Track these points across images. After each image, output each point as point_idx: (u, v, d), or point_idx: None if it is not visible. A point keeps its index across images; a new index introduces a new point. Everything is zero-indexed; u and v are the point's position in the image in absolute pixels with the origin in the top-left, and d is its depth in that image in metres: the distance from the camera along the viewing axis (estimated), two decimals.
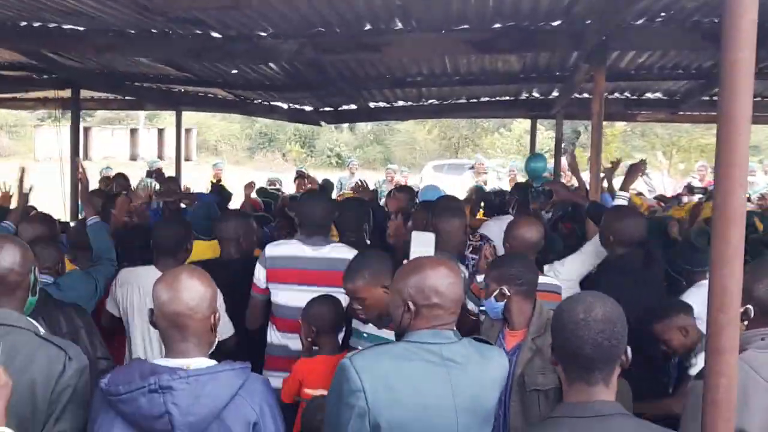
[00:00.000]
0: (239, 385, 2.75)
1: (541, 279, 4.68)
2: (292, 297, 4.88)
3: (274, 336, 4.97)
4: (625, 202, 6.02)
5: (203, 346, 2.88)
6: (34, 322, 3.24)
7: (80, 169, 6.42)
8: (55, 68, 9.36)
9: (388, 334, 3.82)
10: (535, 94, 11.67)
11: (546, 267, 5.29)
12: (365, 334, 4.19)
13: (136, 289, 4.93)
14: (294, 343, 4.81)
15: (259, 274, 4.97)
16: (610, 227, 5.25)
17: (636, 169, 6.51)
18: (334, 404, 2.95)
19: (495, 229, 6.23)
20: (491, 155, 32.97)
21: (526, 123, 30.94)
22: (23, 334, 3.13)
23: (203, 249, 5.84)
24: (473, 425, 2.97)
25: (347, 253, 4.86)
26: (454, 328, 3.06)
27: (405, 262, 3.65)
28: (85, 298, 4.87)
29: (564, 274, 5.26)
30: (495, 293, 4.09)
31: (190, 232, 5.26)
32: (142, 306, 4.82)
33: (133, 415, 2.70)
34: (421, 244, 3.91)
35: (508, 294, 4.06)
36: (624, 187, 6.24)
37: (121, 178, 11.18)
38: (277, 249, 5.03)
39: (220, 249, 5.61)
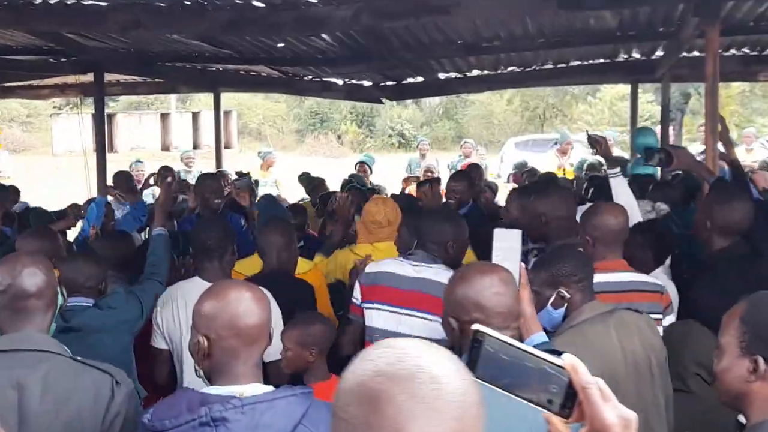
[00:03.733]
0: (302, 413, 2.72)
1: (630, 277, 4.61)
2: (385, 319, 4.96)
3: None
4: None
5: (258, 369, 2.91)
6: (62, 345, 3.33)
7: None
8: (75, 50, 9.51)
9: None
10: (635, 55, 11.53)
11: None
12: None
13: (181, 306, 4.93)
14: None
15: (355, 292, 5.08)
16: (712, 212, 4.97)
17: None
18: None
19: None
20: (582, 127, 32.63)
21: (620, 88, 30.74)
22: (59, 360, 3.22)
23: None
24: None
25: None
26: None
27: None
28: (129, 322, 4.92)
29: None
30: (551, 299, 3.92)
31: (233, 233, 5.35)
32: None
33: None
34: (504, 240, 3.83)
35: (568, 296, 3.90)
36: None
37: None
38: (377, 264, 5.17)
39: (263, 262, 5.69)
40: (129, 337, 4.95)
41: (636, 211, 5.49)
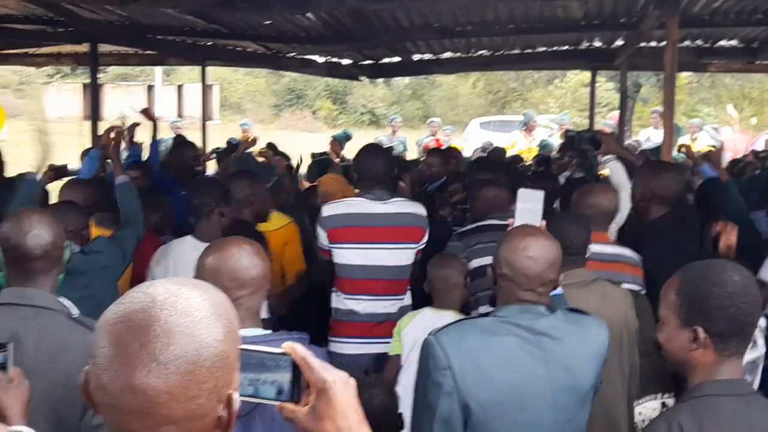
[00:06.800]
0: None
1: (615, 249, 4.69)
2: (358, 255, 5.09)
3: (338, 300, 5.14)
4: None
5: (258, 316, 2.96)
6: (66, 302, 3.30)
7: (117, 127, 6.55)
8: (73, 21, 9.41)
9: None
10: (597, 44, 11.59)
11: None
12: None
13: (173, 262, 4.96)
14: (362, 305, 5.08)
15: (320, 237, 5.17)
16: (650, 184, 5.14)
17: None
18: (422, 382, 3.02)
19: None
20: (542, 111, 32.72)
21: (582, 75, 30.85)
22: (53, 317, 3.17)
23: None
24: (570, 406, 3.04)
25: (413, 207, 5.24)
26: (546, 303, 3.10)
27: (510, 221, 3.72)
28: (112, 266, 4.94)
29: None
30: None
31: (225, 193, 5.33)
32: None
33: None
34: (528, 201, 3.87)
35: None
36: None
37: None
38: (336, 207, 5.23)
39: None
40: (114, 280, 4.94)
41: (627, 194, 5.49)
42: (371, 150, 5.74)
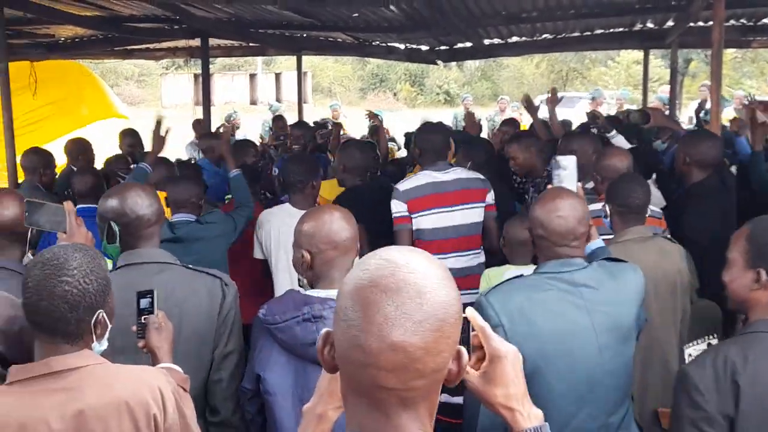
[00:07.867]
0: None
1: None
2: (437, 219, 5.18)
3: None
4: None
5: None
6: (173, 256, 3.38)
7: (227, 123, 6.68)
8: (186, 19, 9.56)
9: None
10: (650, 25, 11.36)
11: None
12: None
13: (275, 227, 5.14)
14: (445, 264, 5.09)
15: (399, 208, 5.19)
16: (689, 151, 5.19)
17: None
18: None
19: None
20: (601, 87, 32.21)
21: (635, 53, 30.32)
22: (174, 269, 3.28)
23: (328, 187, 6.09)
24: (613, 345, 3.04)
25: (472, 173, 5.39)
26: (581, 255, 3.13)
27: (548, 187, 3.74)
28: (225, 235, 5.11)
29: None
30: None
31: (316, 169, 5.41)
32: (282, 241, 5.04)
33: (289, 342, 2.81)
34: (564, 167, 3.90)
35: (608, 212, 4.15)
36: None
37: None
38: (409, 182, 5.29)
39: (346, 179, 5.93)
40: (224, 247, 5.12)
41: None
42: (431, 127, 5.81)
